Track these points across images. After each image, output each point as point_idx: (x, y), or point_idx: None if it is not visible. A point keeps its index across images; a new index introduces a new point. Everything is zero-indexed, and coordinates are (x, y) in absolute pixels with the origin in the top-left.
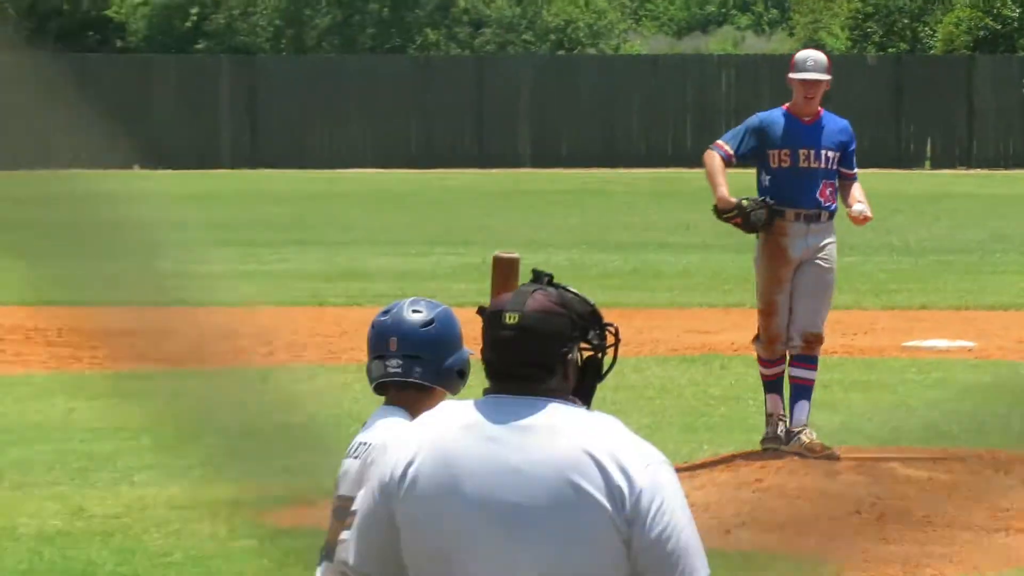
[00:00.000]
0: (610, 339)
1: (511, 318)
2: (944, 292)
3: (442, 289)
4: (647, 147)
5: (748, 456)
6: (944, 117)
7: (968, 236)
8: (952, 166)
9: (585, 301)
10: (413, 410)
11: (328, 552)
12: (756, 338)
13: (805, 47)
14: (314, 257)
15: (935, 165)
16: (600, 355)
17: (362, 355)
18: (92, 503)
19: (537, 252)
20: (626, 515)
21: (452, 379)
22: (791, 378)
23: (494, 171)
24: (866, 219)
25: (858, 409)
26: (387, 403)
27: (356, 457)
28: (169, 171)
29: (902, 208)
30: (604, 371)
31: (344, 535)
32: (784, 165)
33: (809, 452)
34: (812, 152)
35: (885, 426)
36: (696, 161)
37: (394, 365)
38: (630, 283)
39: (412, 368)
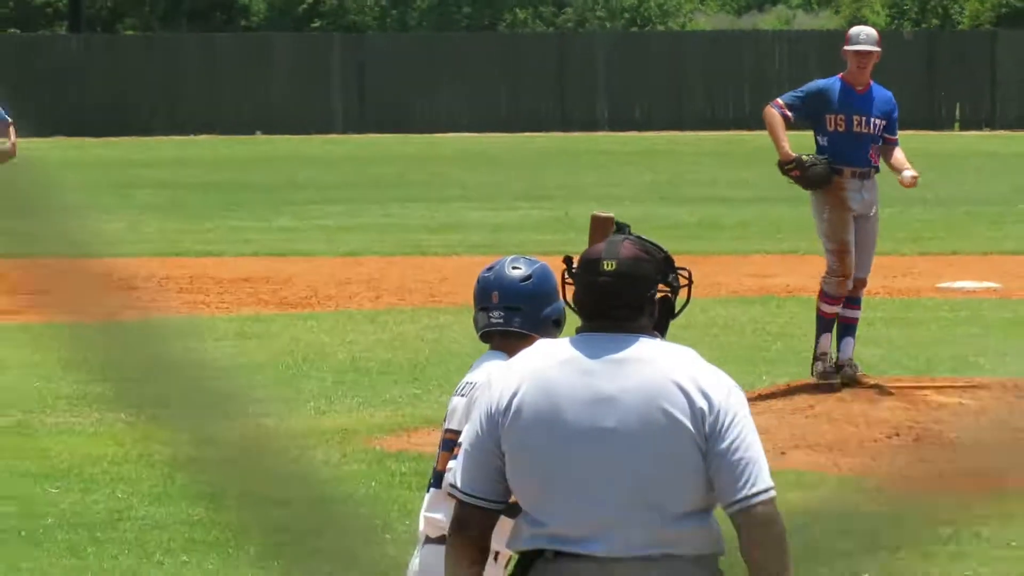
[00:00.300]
0: (683, 281)
1: (608, 265)
2: (972, 239)
3: (529, 240)
4: (711, 112)
5: (801, 386)
6: (971, 85)
7: (992, 190)
8: (979, 128)
9: (661, 248)
10: (514, 355)
11: (436, 479)
12: (826, 277)
13: (850, 24)
14: (416, 212)
15: (963, 127)
16: (675, 296)
17: (460, 299)
18: (221, 432)
19: (612, 206)
20: (705, 432)
21: (549, 327)
22: (841, 317)
23: (575, 134)
24: (915, 181)
25: (897, 343)
26: (492, 349)
27: (463, 395)
28: (287, 136)
29: (935, 166)
30: (679, 310)
31: (451, 464)
32: (839, 129)
33: (855, 382)
34: (864, 118)
35: (920, 358)
36: (754, 124)
37: (496, 316)
38: (695, 233)
39: (512, 318)
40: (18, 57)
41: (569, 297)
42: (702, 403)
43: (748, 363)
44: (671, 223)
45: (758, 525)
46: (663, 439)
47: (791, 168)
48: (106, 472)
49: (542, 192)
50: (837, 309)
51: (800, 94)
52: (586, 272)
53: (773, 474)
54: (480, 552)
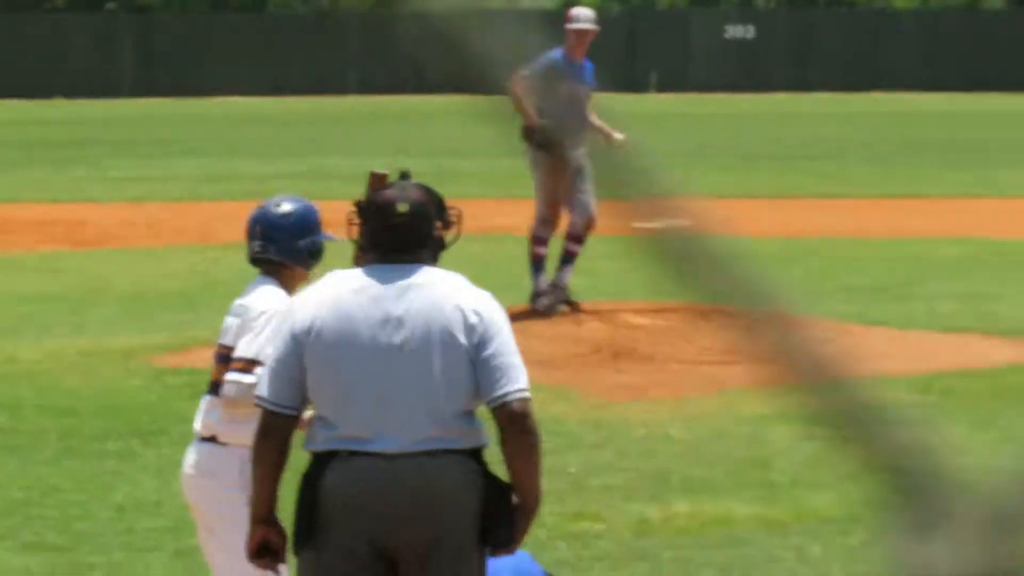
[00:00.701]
0: (454, 219)
1: (402, 207)
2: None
3: (289, 188)
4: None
5: (521, 311)
6: (667, 56)
7: (682, 144)
8: (673, 92)
9: (435, 191)
10: (280, 281)
11: (211, 388)
12: (538, 224)
13: (567, 5)
14: (192, 164)
15: (660, 91)
16: (447, 231)
17: (228, 238)
18: (21, 352)
19: (370, 159)
20: (475, 343)
21: (304, 258)
22: (566, 251)
23: (326, 98)
24: (626, 142)
25: (601, 274)
26: (261, 275)
27: (237, 316)
28: (84, 99)
29: (635, 124)
30: (450, 243)
31: (229, 376)
32: (568, 96)
33: (568, 306)
34: (582, 87)
35: (619, 285)
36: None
37: (257, 246)
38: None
39: (269, 247)
40: None
41: (353, 234)
42: (474, 319)
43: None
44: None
45: (515, 418)
46: (442, 352)
47: (533, 133)
48: None
49: (304, 147)
50: (546, 251)
51: (537, 67)
52: (381, 214)
53: None
54: (281, 454)
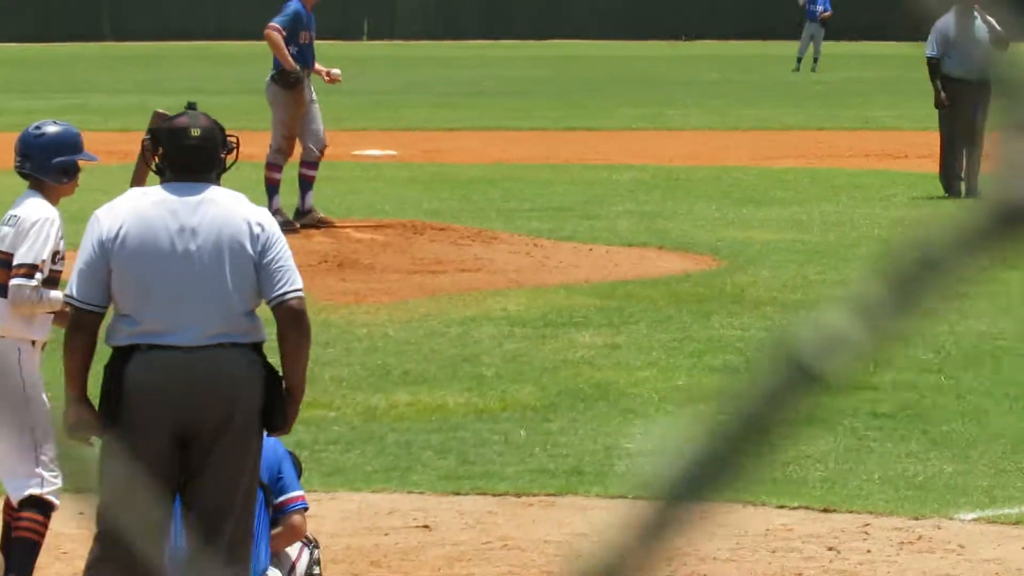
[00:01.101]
0: (233, 145)
1: (195, 132)
2: (377, 120)
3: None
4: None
5: None
6: (378, 4)
7: (392, 83)
8: (382, 38)
9: (218, 122)
10: (44, 193)
11: None
12: (275, 154)
13: None
14: None
15: (370, 38)
16: (227, 154)
17: (4, 166)
18: None
19: (127, 96)
20: (258, 250)
21: (57, 174)
22: (305, 176)
23: (79, 43)
24: (339, 76)
25: (325, 194)
26: (29, 189)
27: (10, 226)
28: None
29: (350, 66)
30: (229, 165)
31: (14, 281)
32: (305, 42)
33: (318, 223)
34: (313, 33)
35: (343, 205)
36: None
37: (17, 162)
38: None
39: (24, 163)
40: None
41: (150, 160)
42: (257, 230)
43: None
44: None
45: (292, 314)
46: (231, 257)
47: (287, 75)
48: None
49: (66, 86)
50: (281, 176)
51: (288, 17)
52: (177, 138)
53: None
54: (89, 345)
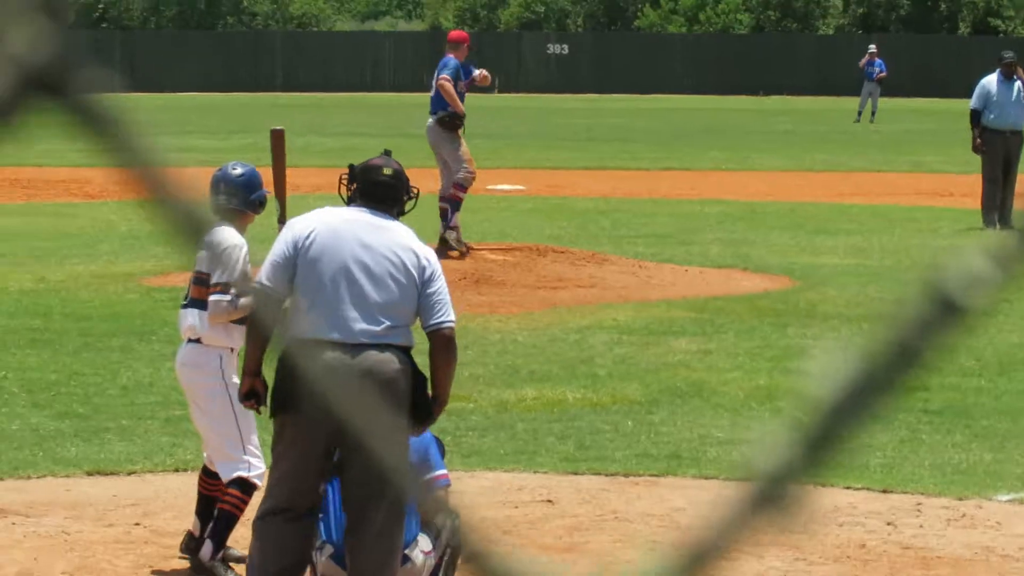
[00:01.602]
0: (415, 193)
1: (387, 171)
2: (512, 159)
3: (232, 157)
4: (359, 80)
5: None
6: (504, 69)
7: (520, 130)
8: (511, 92)
9: (404, 171)
10: (234, 224)
11: (191, 302)
12: (466, 176)
13: (432, 27)
14: (163, 141)
15: (502, 91)
16: (409, 199)
17: (206, 192)
18: (49, 274)
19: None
20: (423, 281)
21: (254, 206)
22: (454, 196)
23: (257, 94)
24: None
25: (468, 224)
26: (221, 220)
27: (207, 250)
28: None
29: (481, 115)
30: (408, 209)
31: (212, 297)
32: (463, 90)
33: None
34: (466, 82)
35: (478, 231)
36: (381, 88)
37: (222, 199)
38: (342, 155)
39: (232, 199)
40: None
41: (343, 191)
42: (424, 263)
43: None
44: (330, 147)
45: (444, 342)
46: (397, 276)
47: (456, 118)
48: None
49: (243, 127)
50: (464, 196)
51: (453, 70)
52: (370, 173)
53: None
54: (274, 323)
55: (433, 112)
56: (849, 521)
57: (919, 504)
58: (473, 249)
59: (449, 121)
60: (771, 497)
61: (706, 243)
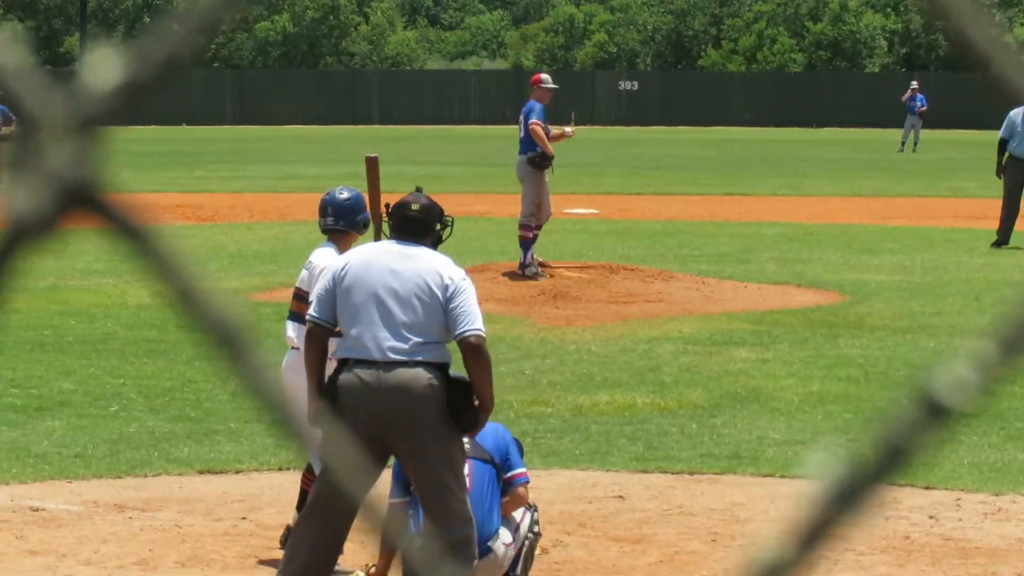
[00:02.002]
0: (448, 222)
1: (415, 207)
2: (578, 184)
3: (339, 181)
4: (447, 114)
5: (491, 266)
6: (579, 103)
7: (593, 159)
8: (585, 124)
9: (438, 204)
10: (339, 244)
11: (291, 315)
12: (529, 217)
13: (515, 67)
14: (271, 170)
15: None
16: (443, 230)
17: (300, 216)
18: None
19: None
20: (447, 297)
21: (359, 227)
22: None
23: (360, 126)
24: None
25: (547, 246)
26: (326, 241)
27: (307, 269)
28: (200, 125)
29: (558, 146)
30: (444, 238)
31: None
32: (547, 132)
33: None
34: (549, 126)
35: (565, 251)
36: (453, 121)
37: (330, 221)
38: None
39: (339, 221)
40: None
41: (385, 225)
42: (448, 282)
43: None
44: (415, 174)
45: (471, 348)
46: (424, 297)
47: (546, 158)
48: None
49: (342, 157)
50: (532, 235)
51: (540, 113)
52: (400, 209)
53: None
54: (322, 353)
55: (523, 152)
56: (894, 515)
57: (958, 499)
58: (551, 268)
59: (539, 161)
60: None
61: (763, 261)
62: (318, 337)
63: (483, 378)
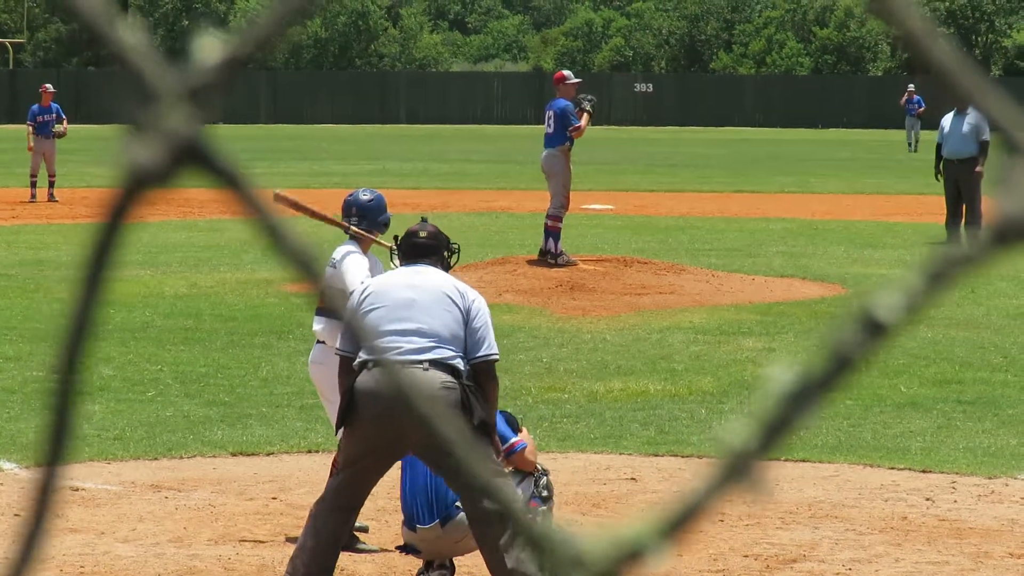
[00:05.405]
0: (455, 248)
1: (422, 234)
2: (595, 182)
3: (368, 183)
4: (471, 115)
5: (508, 259)
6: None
7: (609, 157)
8: (601, 124)
9: (443, 233)
10: (360, 244)
11: (317, 310)
12: (559, 208)
13: (536, 69)
14: (305, 167)
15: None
16: (451, 256)
17: (336, 210)
18: (200, 280)
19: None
20: (466, 311)
21: (381, 228)
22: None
23: (387, 125)
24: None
25: (564, 238)
26: (349, 240)
27: (332, 267)
28: (227, 124)
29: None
30: (453, 264)
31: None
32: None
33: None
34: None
35: (573, 243)
36: (488, 121)
37: (353, 222)
38: (450, 179)
39: (362, 222)
40: None
41: (395, 259)
42: (466, 297)
43: (489, 248)
44: (442, 171)
45: (485, 372)
46: (440, 306)
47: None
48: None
49: (370, 155)
50: (561, 225)
51: (572, 109)
52: (409, 237)
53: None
54: (352, 374)
55: (550, 146)
56: (893, 497)
57: (954, 482)
58: (571, 260)
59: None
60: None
61: (770, 256)
62: (346, 366)
63: (491, 399)
